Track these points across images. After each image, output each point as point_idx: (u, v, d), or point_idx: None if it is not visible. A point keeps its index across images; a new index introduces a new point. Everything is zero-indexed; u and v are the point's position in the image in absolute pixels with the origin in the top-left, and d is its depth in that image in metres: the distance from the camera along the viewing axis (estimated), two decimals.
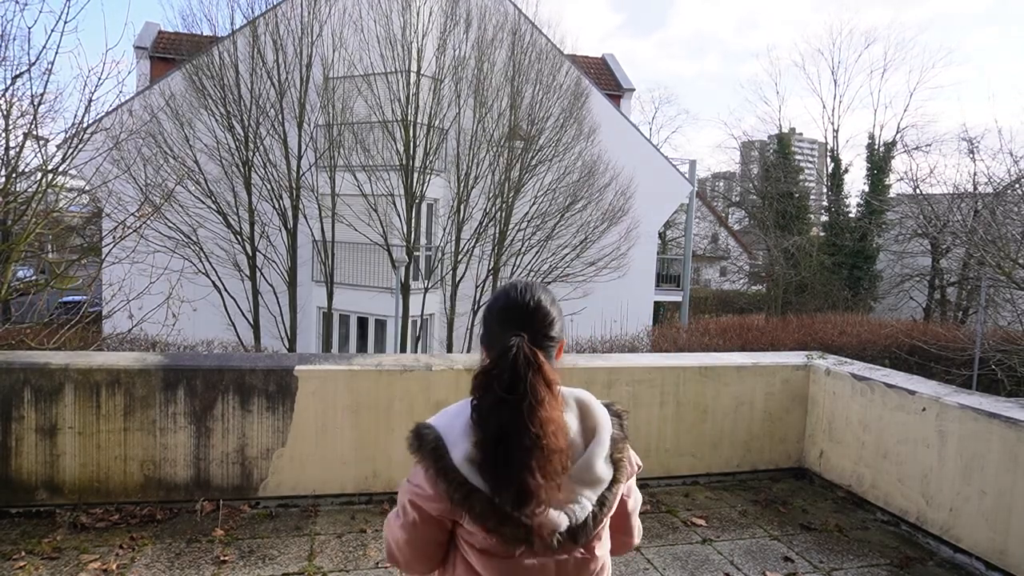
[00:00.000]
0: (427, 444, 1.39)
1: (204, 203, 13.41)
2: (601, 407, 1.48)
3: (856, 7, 63.82)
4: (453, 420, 1.41)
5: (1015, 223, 10.69)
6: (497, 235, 14.35)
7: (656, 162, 19.13)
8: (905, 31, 69.75)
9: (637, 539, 1.63)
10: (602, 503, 1.41)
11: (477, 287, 14.56)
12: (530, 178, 14.38)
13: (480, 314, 1.26)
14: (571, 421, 1.43)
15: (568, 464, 1.35)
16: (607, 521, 1.45)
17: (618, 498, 1.46)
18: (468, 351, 14.37)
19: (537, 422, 1.31)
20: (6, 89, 5.08)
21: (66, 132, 5.39)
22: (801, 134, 57.00)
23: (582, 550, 1.41)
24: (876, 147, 27.16)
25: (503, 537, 1.34)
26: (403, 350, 14.23)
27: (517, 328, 1.40)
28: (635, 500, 1.58)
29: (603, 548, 1.47)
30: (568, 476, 1.36)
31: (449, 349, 14.48)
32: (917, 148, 27.11)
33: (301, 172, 14.09)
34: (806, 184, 33.05)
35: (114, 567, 3.45)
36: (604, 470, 1.41)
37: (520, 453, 1.30)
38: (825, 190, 30.66)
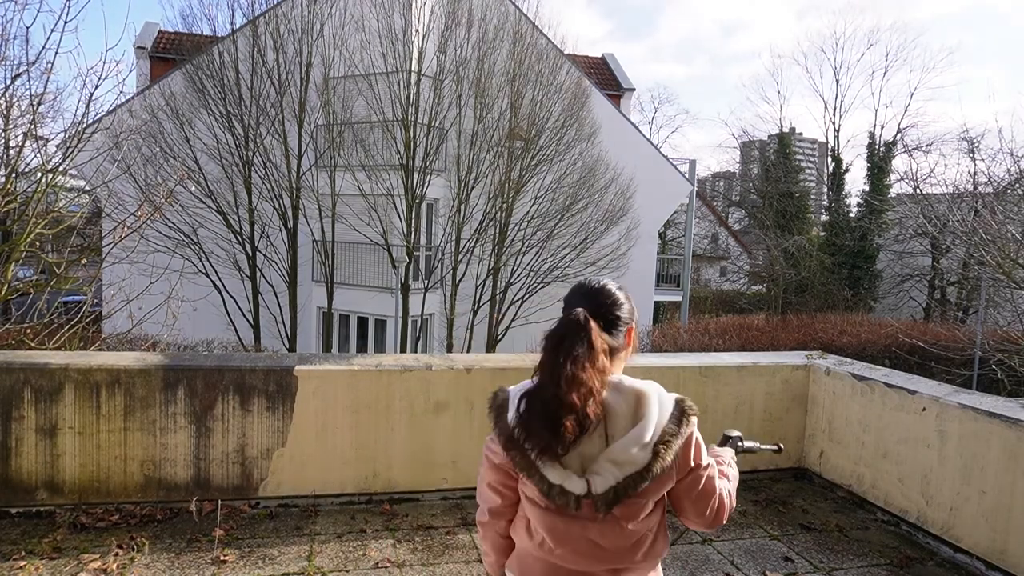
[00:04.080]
0: (496, 403, 1.64)
1: (204, 203, 13.41)
2: (661, 402, 1.57)
3: (861, 7, 63.91)
4: (522, 385, 1.60)
5: (1015, 223, 10.68)
6: (497, 235, 14.35)
7: (656, 162, 19.13)
8: (907, 32, 69.72)
9: (709, 520, 1.68)
10: (634, 482, 1.51)
11: (477, 287, 14.55)
12: (530, 178, 14.38)
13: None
14: (619, 403, 1.54)
15: (584, 429, 1.49)
16: (645, 501, 1.56)
17: (655, 482, 1.53)
18: (468, 351, 14.37)
19: (566, 380, 1.46)
20: (6, 89, 5.09)
21: (66, 132, 5.40)
22: (801, 134, 56.99)
23: (614, 515, 1.54)
24: (876, 147, 27.16)
25: (539, 488, 1.53)
26: (403, 350, 14.23)
27: (582, 304, 1.61)
28: (697, 482, 1.62)
29: (639, 523, 1.57)
30: (606, 451, 1.51)
31: (449, 349, 14.48)
32: (917, 148, 27.12)
33: (301, 172, 14.08)
34: (806, 184, 33.05)
35: (114, 567, 3.45)
36: (638, 455, 1.51)
37: (550, 406, 1.46)
38: (825, 190, 30.66)
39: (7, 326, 5.42)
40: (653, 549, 1.63)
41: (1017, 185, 15.35)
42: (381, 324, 15.97)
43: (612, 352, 1.61)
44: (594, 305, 1.62)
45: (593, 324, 1.55)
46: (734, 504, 1.75)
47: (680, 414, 1.57)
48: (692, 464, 1.59)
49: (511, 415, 1.57)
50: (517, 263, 14.56)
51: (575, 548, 1.58)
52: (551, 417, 1.46)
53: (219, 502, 4.13)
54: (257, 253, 14.16)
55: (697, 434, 1.61)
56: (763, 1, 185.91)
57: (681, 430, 1.55)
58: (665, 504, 1.68)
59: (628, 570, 1.62)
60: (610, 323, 1.62)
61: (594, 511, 1.52)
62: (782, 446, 2.40)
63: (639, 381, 1.60)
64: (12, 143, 5.25)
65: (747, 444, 2.15)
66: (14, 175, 5.09)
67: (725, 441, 2.08)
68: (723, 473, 1.76)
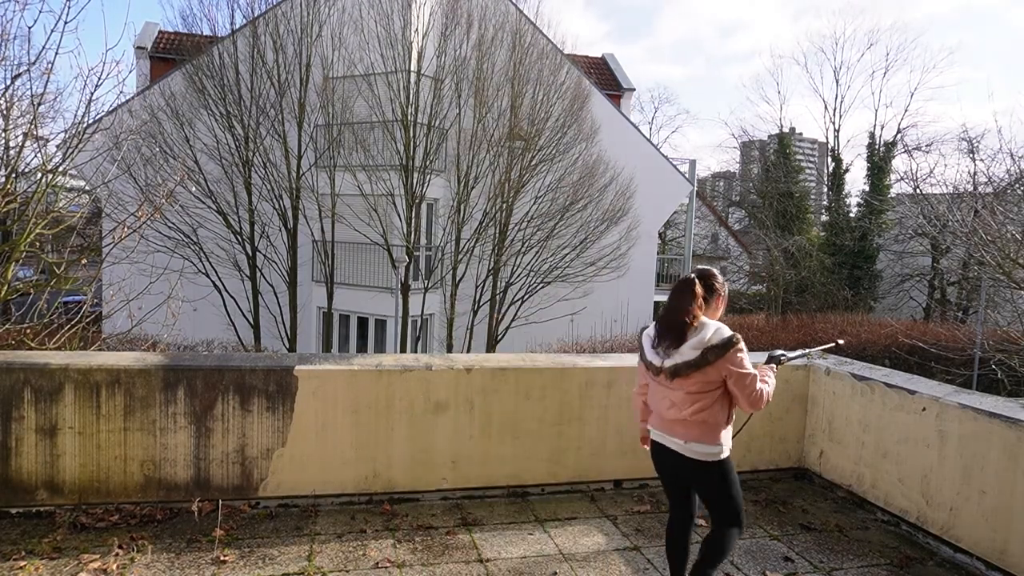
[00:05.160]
0: (641, 333, 3.19)
1: (204, 203, 13.42)
2: (717, 331, 2.86)
3: (866, 5, 63.95)
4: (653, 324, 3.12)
5: (1015, 223, 10.68)
6: (497, 235, 14.34)
7: (656, 162, 19.13)
8: (907, 32, 69.65)
9: (749, 403, 2.92)
10: (686, 367, 2.88)
11: (477, 287, 14.54)
12: (530, 178, 14.37)
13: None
14: (697, 328, 2.89)
15: (686, 338, 2.89)
16: (696, 380, 2.89)
17: (699, 370, 2.86)
18: (468, 351, 14.37)
19: (681, 309, 2.89)
20: (6, 89, 5.07)
21: (66, 132, 5.39)
22: (801, 134, 56.96)
23: (678, 384, 2.93)
24: (876, 147, 27.14)
25: (650, 369, 3.05)
26: (403, 350, 14.23)
27: (694, 273, 3.01)
28: (737, 383, 2.89)
29: (693, 394, 2.91)
30: (679, 349, 2.90)
31: (449, 349, 14.47)
32: (917, 148, 27.11)
33: (301, 172, 14.08)
34: (806, 184, 33.01)
35: (114, 567, 3.45)
36: (691, 353, 2.87)
37: (671, 322, 2.92)
38: (825, 190, 30.66)
39: (7, 326, 5.42)
40: (708, 418, 2.93)
41: (1017, 185, 15.36)
42: (381, 324, 15.97)
43: (706, 302, 2.98)
44: (700, 275, 3.03)
45: (697, 283, 2.94)
46: (770, 399, 2.99)
47: (727, 341, 2.83)
48: (730, 368, 2.86)
49: (645, 339, 3.10)
50: (517, 263, 14.55)
51: (662, 403, 3.03)
52: (676, 327, 2.89)
53: (219, 502, 4.13)
54: (257, 253, 14.16)
55: (741, 355, 2.86)
56: (760, 3, 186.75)
57: (724, 348, 2.82)
58: (721, 396, 2.93)
59: (686, 421, 2.95)
60: (708, 287, 3.02)
61: (666, 379, 2.95)
62: (821, 352, 3.81)
63: (710, 320, 2.94)
64: (12, 143, 5.24)
65: (790, 355, 3.36)
66: (14, 175, 5.09)
67: (769, 360, 3.27)
68: (763, 380, 2.99)
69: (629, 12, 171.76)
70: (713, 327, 2.86)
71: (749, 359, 2.89)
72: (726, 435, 2.99)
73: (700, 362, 2.83)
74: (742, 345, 2.85)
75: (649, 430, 3.19)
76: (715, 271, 3.06)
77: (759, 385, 2.91)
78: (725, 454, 2.99)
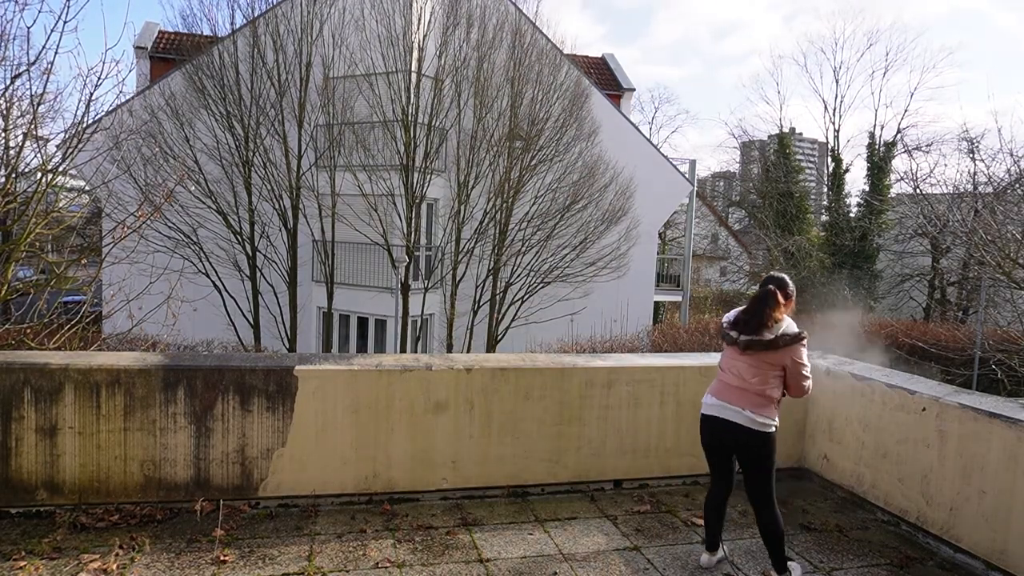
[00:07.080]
0: (723, 317, 3.73)
1: (204, 203, 13.41)
2: (787, 328, 3.46)
3: (860, 6, 64.18)
4: (735, 311, 3.65)
5: (1015, 223, 10.68)
6: (497, 235, 14.33)
7: (656, 162, 19.12)
8: (906, 32, 69.66)
9: (797, 390, 3.53)
10: (759, 345, 3.42)
11: (477, 287, 14.54)
12: (530, 178, 14.36)
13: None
14: (777, 322, 3.46)
15: (766, 328, 3.44)
16: (763, 360, 3.44)
17: (767, 352, 3.42)
18: (468, 351, 14.37)
19: (764, 311, 3.43)
20: (6, 89, 5.08)
21: (66, 132, 5.39)
22: (801, 134, 56.95)
23: (749, 357, 3.47)
24: (876, 147, 27.13)
25: (727, 340, 3.56)
26: (403, 350, 14.23)
27: (772, 283, 3.51)
28: (794, 371, 3.47)
29: (760, 368, 3.46)
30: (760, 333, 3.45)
31: (449, 349, 14.47)
32: (917, 148, 27.07)
33: (301, 172, 14.07)
34: (806, 184, 32.99)
35: (114, 567, 3.45)
36: (767, 335, 3.42)
37: (755, 318, 3.44)
38: (825, 190, 30.66)
39: (7, 326, 5.42)
40: (764, 391, 3.46)
41: (1017, 185, 15.35)
42: (381, 324, 15.97)
43: (784, 305, 3.48)
44: (777, 284, 3.50)
45: (778, 292, 3.45)
46: (810, 391, 3.61)
47: (797, 335, 3.43)
48: (791, 361, 3.44)
49: (724, 319, 3.64)
50: (517, 263, 14.54)
51: (732, 370, 3.52)
52: (757, 324, 3.42)
53: (219, 502, 4.13)
54: (257, 253, 14.16)
55: (803, 349, 3.46)
56: (754, 5, 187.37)
57: (792, 340, 3.41)
58: (778, 379, 3.47)
59: (748, 390, 3.46)
60: (785, 295, 3.49)
61: (739, 350, 3.47)
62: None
63: (786, 319, 3.48)
64: (12, 143, 5.25)
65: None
66: (14, 175, 5.09)
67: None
68: (806, 376, 3.52)
69: (625, 14, 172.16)
70: (787, 323, 3.45)
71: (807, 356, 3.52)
72: (775, 414, 3.50)
73: (772, 344, 3.38)
74: (806, 342, 3.48)
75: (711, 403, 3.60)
76: (787, 279, 3.56)
77: (806, 380, 3.52)
78: (772, 430, 3.48)
